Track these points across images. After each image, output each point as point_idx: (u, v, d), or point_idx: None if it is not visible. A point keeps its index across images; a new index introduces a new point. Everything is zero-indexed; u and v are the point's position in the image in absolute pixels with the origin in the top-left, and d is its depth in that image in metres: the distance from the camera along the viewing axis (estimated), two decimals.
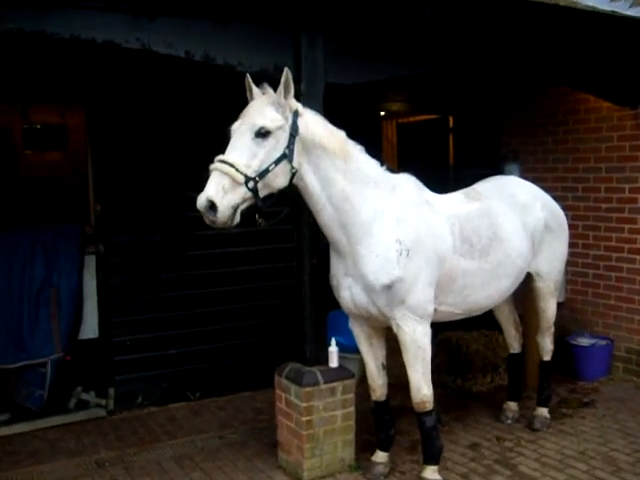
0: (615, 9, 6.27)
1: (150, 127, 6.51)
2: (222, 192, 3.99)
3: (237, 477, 5.17)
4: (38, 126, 10.21)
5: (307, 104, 4.48)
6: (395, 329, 4.69)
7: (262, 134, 4.15)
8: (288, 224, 5.02)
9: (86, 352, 6.58)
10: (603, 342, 7.23)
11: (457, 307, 5.05)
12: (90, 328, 6.55)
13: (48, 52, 5.75)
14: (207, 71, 5.16)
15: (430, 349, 4.75)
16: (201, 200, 3.98)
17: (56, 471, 5.35)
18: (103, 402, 6.50)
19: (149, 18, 4.41)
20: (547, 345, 5.98)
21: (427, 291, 4.66)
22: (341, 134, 4.50)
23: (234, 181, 4.03)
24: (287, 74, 4.20)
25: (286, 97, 4.25)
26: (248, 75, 4.39)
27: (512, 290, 5.48)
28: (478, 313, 5.37)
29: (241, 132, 4.18)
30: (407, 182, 4.83)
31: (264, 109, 4.22)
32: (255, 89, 4.35)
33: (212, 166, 4.07)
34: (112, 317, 6.48)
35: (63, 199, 9.21)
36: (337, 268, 4.76)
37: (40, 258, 6.28)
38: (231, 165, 4.03)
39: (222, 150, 4.13)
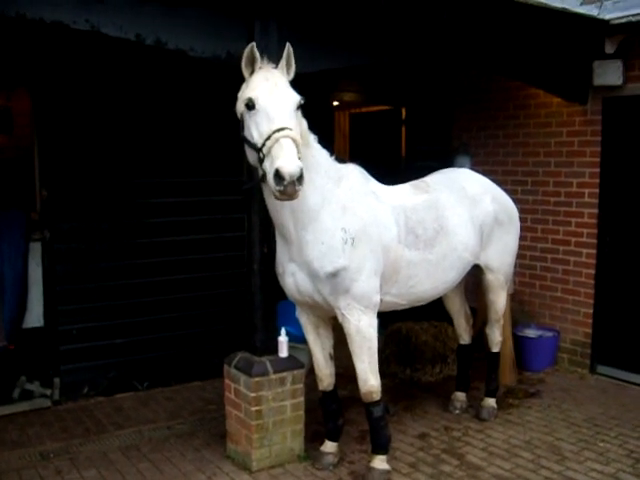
0: (566, 6, 6.37)
1: (99, 112, 6.37)
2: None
3: (185, 467, 5.12)
4: None
5: None
6: (340, 319, 4.69)
7: (297, 108, 4.17)
8: (239, 213, 4.98)
9: (31, 341, 6.45)
10: (549, 334, 7.35)
11: (402, 298, 5.08)
12: (35, 316, 6.44)
13: None
14: (158, 56, 5.07)
15: (376, 339, 4.76)
16: (296, 169, 3.82)
17: None
18: (48, 392, 6.37)
19: None
20: (495, 337, 6.05)
21: (372, 281, 4.67)
22: (304, 121, 4.48)
23: (298, 151, 3.97)
24: (288, 50, 4.24)
25: (289, 73, 4.29)
26: (254, 44, 4.20)
27: (458, 282, 5.54)
28: (423, 303, 5.40)
29: (284, 101, 4.10)
30: (353, 172, 4.84)
31: (288, 84, 4.23)
32: (259, 59, 4.22)
33: (282, 133, 3.94)
34: (58, 305, 6.34)
35: (8, 184, 8.97)
36: (282, 254, 4.75)
37: None
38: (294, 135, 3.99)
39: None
